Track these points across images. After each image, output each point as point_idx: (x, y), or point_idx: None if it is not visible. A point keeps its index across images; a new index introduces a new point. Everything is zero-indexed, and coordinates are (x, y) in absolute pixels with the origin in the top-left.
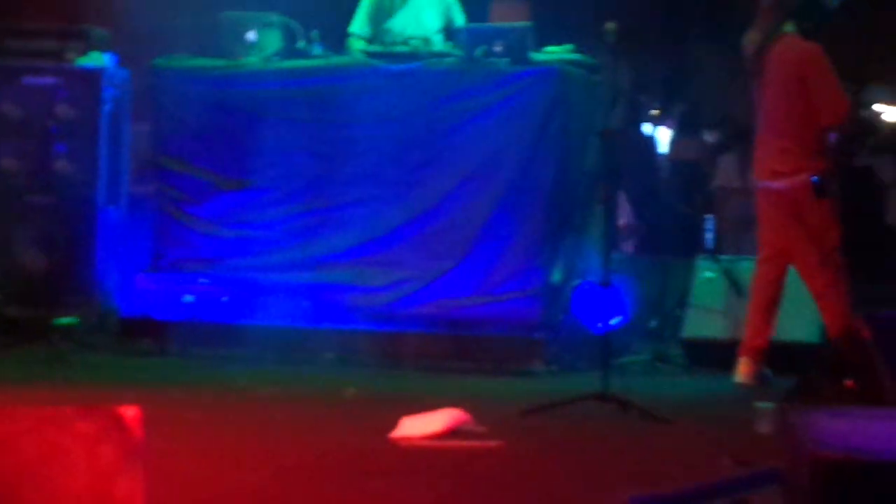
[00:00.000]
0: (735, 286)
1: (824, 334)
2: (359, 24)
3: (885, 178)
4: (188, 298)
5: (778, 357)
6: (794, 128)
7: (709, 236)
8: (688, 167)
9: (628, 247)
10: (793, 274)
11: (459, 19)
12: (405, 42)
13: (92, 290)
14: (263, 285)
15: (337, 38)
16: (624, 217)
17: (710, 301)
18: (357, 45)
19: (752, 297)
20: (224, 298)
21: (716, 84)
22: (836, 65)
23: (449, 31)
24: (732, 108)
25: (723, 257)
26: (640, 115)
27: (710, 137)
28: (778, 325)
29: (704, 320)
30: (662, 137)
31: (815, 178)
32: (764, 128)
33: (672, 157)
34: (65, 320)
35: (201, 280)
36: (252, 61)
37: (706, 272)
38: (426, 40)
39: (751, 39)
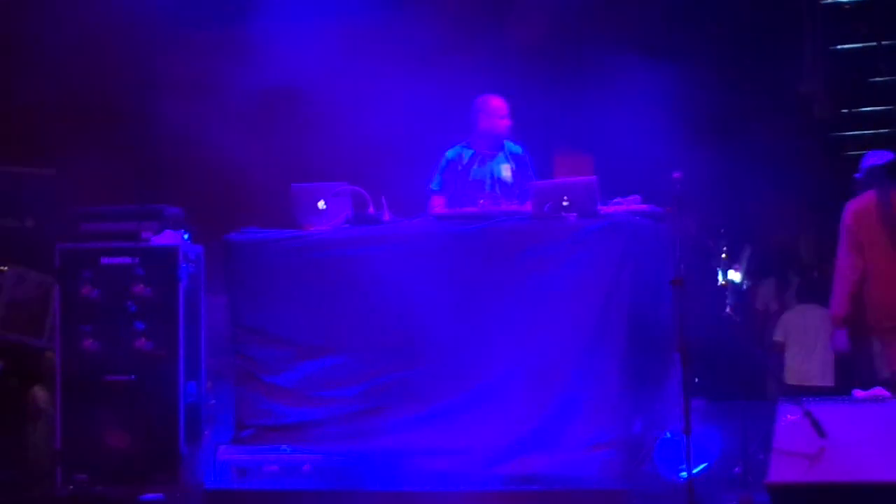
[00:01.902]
0: (817, 427)
1: None
2: (437, 181)
3: None
4: (271, 468)
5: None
6: None
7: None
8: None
9: None
10: (870, 412)
11: (532, 175)
12: (474, 202)
13: (176, 466)
14: (344, 452)
15: (407, 203)
16: None
17: (794, 444)
18: (437, 202)
19: None
20: (306, 466)
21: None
22: None
23: (522, 187)
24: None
25: (804, 398)
26: (709, 260)
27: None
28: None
29: (788, 464)
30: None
31: None
32: None
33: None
34: (151, 497)
35: (283, 449)
36: (323, 230)
37: (788, 415)
38: (496, 197)
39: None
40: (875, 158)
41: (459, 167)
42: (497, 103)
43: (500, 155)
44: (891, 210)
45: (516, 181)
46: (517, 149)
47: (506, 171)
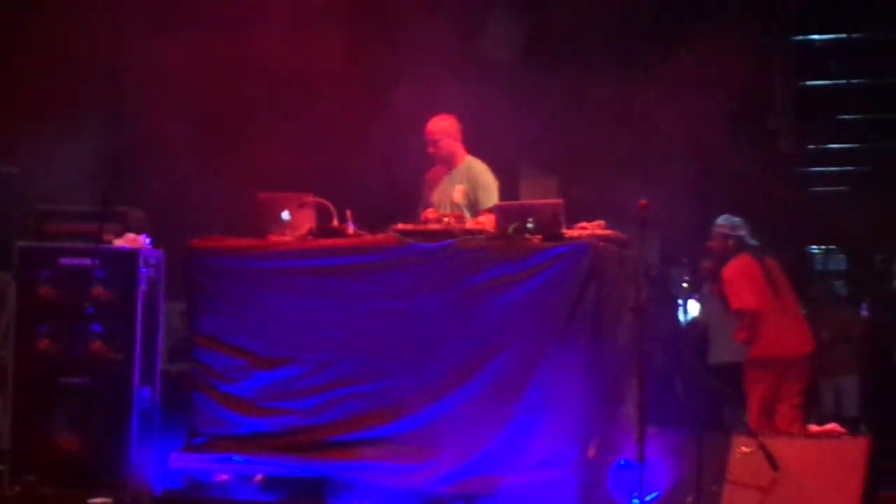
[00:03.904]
0: (771, 461)
1: None
2: (423, 200)
3: None
4: (222, 477)
5: None
6: None
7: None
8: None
9: None
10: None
11: (484, 197)
12: (438, 220)
13: (126, 470)
14: (297, 463)
15: (371, 218)
16: None
17: (747, 476)
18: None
19: None
20: (258, 477)
21: None
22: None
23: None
24: None
25: (759, 432)
26: (670, 288)
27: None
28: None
29: (740, 496)
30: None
31: None
32: None
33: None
34: (99, 500)
35: (235, 459)
36: (286, 240)
37: (742, 447)
38: (460, 217)
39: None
40: (737, 224)
41: (431, 185)
42: (429, 128)
43: (457, 176)
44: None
45: (469, 203)
46: (477, 169)
47: (457, 194)
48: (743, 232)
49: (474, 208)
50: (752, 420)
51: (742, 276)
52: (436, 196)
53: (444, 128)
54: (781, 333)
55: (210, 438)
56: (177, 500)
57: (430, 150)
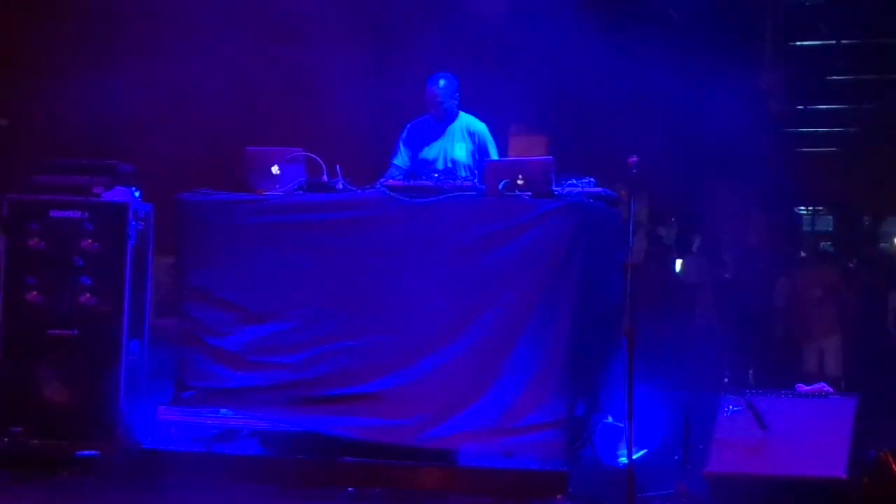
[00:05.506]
0: (759, 420)
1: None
2: (399, 157)
3: None
4: (210, 431)
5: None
6: None
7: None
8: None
9: None
10: (813, 407)
11: (492, 153)
12: (429, 175)
13: (114, 423)
14: (285, 418)
15: (363, 173)
16: None
17: (734, 435)
18: (394, 173)
19: None
20: (246, 431)
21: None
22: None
23: (478, 166)
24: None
25: (747, 391)
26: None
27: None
28: (803, 460)
29: (728, 455)
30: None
31: None
32: None
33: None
34: (86, 453)
35: (224, 412)
36: (275, 195)
37: (730, 405)
38: (451, 173)
39: None
40: None
41: (418, 140)
42: (430, 89)
43: (457, 133)
44: None
45: (471, 160)
46: (480, 126)
47: (460, 150)
48: None
49: (475, 167)
50: None
51: None
52: (429, 151)
53: (448, 90)
54: None
55: (198, 392)
56: (165, 454)
57: (432, 110)
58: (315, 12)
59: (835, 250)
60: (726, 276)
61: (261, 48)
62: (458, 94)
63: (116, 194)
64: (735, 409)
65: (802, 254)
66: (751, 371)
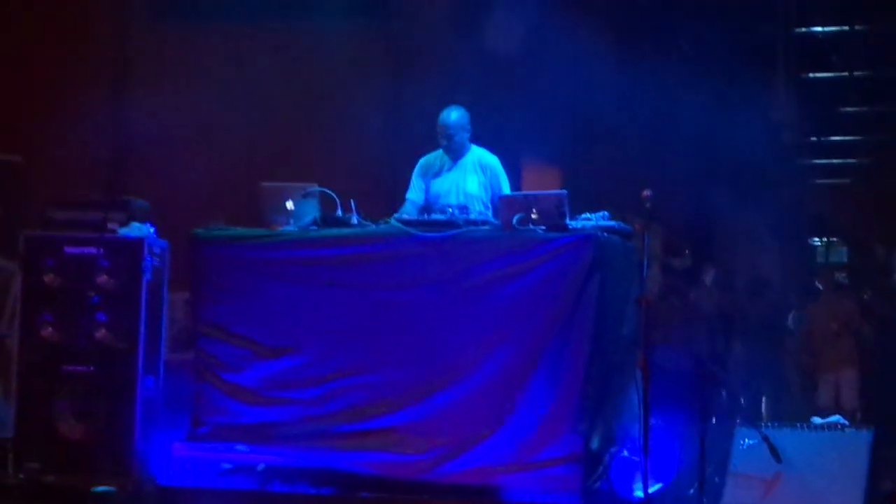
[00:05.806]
0: (774, 453)
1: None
2: (413, 191)
3: None
4: (226, 466)
5: None
6: None
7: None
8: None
9: None
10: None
11: (504, 186)
12: (443, 210)
13: (130, 459)
14: (300, 453)
15: (377, 207)
16: None
17: (750, 468)
18: (408, 208)
19: None
20: (261, 466)
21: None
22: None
23: (491, 199)
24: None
25: (762, 424)
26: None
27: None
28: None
29: (744, 488)
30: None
31: None
32: None
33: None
34: (102, 489)
35: (239, 448)
36: (290, 230)
37: (745, 439)
38: (464, 208)
39: None
40: None
41: (431, 174)
42: (441, 122)
43: (469, 166)
44: None
45: (483, 193)
46: (491, 159)
47: (472, 184)
48: None
49: (488, 200)
50: None
51: None
52: (442, 184)
53: (460, 122)
54: None
55: (213, 428)
56: (180, 490)
57: (444, 142)
58: (333, 46)
59: (850, 282)
60: (739, 306)
61: (275, 83)
62: (469, 126)
63: (132, 230)
64: (750, 442)
65: (818, 285)
66: (764, 403)
